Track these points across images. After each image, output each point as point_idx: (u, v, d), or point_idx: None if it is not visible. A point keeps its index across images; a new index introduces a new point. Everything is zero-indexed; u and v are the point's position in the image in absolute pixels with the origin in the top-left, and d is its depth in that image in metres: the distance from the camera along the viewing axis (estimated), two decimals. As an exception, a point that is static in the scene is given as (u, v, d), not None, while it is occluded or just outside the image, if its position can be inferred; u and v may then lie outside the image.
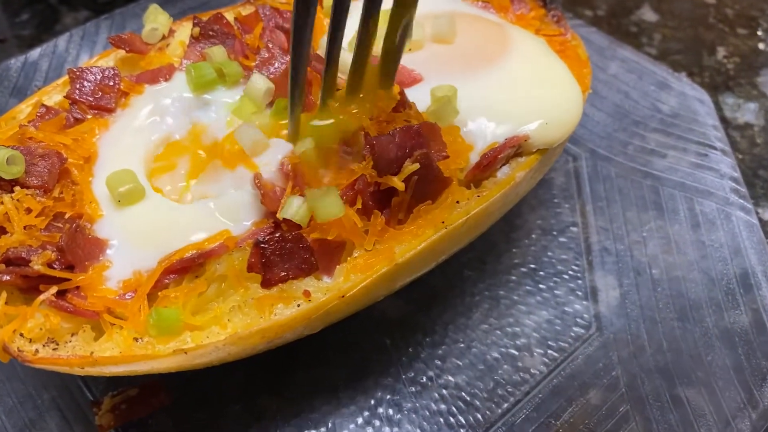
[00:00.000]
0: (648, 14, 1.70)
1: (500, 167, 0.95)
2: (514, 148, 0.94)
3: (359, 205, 0.84)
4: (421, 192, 0.86)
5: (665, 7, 1.71)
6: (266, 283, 0.81)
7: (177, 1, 1.53)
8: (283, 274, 0.81)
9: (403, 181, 0.83)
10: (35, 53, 1.38)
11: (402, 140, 0.82)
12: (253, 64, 0.99)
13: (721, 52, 1.60)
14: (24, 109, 0.97)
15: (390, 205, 0.85)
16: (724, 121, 1.44)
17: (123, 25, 1.47)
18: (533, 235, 1.17)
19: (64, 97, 0.97)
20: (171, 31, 1.07)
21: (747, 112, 1.46)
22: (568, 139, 1.00)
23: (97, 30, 1.45)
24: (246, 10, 1.11)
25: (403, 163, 0.82)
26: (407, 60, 1.02)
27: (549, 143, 0.96)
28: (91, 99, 0.96)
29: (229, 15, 1.10)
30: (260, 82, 0.93)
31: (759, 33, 1.65)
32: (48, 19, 1.62)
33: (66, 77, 0.99)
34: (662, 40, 1.63)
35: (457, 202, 0.89)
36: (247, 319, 0.80)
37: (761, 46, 1.61)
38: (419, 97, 0.93)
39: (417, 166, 0.82)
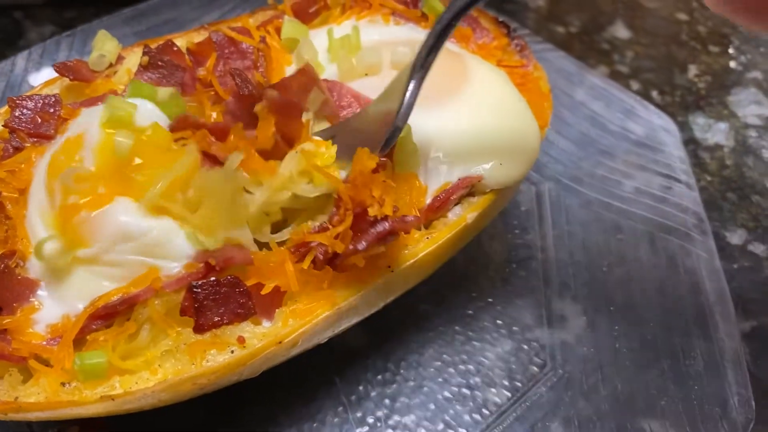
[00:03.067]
0: (621, 31, 1.68)
1: (452, 207, 0.93)
2: (467, 189, 0.92)
3: (305, 265, 0.81)
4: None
5: (638, 23, 1.70)
6: (199, 329, 0.78)
7: (142, 17, 1.50)
8: (216, 319, 0.79)
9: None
10: (-9, 72, 1.35)
11: (380, 236, 0.80)
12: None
13: (692, 70, 1.58)
14: (-39, 140, 0.95)
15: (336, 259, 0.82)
16: (694, 142, 1.42)
17: (84, 42, 1.44)
18: (492, 267, 1.15)
19: (2, 126, 0.94)
20: (120, 58, 1.04)
21: (717, 133, 1.44)
22: (523, 179, 0.98)
23: (57, 48, 1.42)
24: (200, 37, 1.08)
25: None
26: (362, 84, 1.00)
27: (503, 184, 0.94)
28: (30, 127, 0.93)
29: (182, 41, 1.07)
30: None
31: (730, 51, 1.63)
32: (12, 35, 1.59)
33: (6, 107, 0.97)
34: (634, 57, 1.61)
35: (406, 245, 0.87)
36: (179, 365, 0.78)
37: (732, 64, 1.60)
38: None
39: (383, 249, 0.81)
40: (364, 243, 0.80)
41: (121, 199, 0.80)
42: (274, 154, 0.85)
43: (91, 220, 0.79)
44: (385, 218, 0.82)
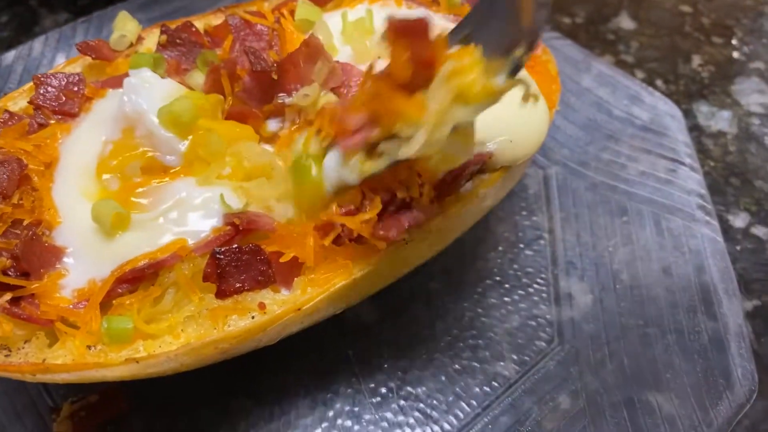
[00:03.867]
0: (625, 22, 1.71)
1: (464, 183, 0.95)
2: (478, 165, 0.95)
3: (326, 242, 0.84)
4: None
5: (642, 15, 1.72)
6: (221, 294, 0.81)
7: (155, 5, 1.53)
8: (238, 285, 0.82)
9: None
10: (10, 56, 1.37)
11: (407, 227, 0.84)
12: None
13: (696, 60, 1.61)
14: (-13, 115, 0.97)
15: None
16: (698, 129, 1.45)
17: (100, 28, 1.46)
18: (500, 248, 1.18)
19: (28, 102, 0.97)
20: (140, 39, 1.06)
21: (720, 120, 1.47)
22: (532, 156, 1.00)
23: (73, 33, 1.45)
24: (217, 19, 1.11)
25: None
26: (377, 68, 1.03)
27: (513, 161, 0.96)
28: (54, 104, 0.96)
29: (200, 23, 1.10)
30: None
31: (734, 42, 1.66)
32: (27, 21, 1.62)
33: (31, 83, 0.99)
34: (639, 47, 1.63)
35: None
36: (201, 329, 0.80)
37: (735, 54, 1.62)
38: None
39: (406, 235, 0.84)
40: (395, 231, 0.83)
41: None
42: (411, 88, 0.78)
43: (151, 190, 0.83)
44: (413, 206, 0.85)
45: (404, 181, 0.87)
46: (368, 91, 0.79)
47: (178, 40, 1.03)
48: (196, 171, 0.88)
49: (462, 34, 0.82)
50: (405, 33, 0.75)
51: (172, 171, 0.89)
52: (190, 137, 0.88)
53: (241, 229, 0.84)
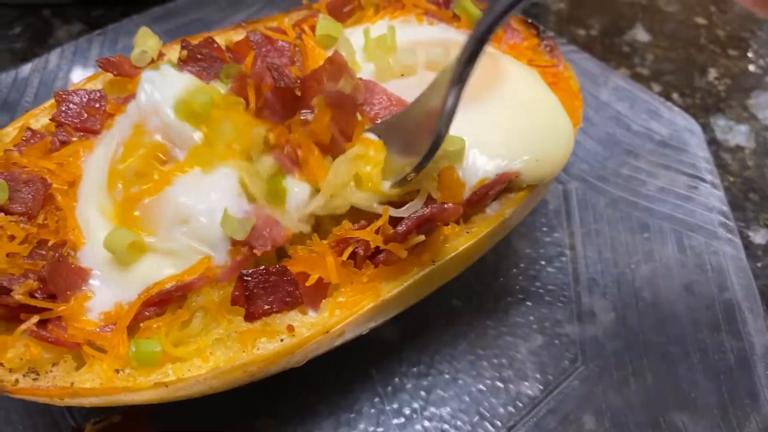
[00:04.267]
0: (640, 34, 1.70)
1: (490, 203, 0.95)
2: (504, 185, 0.94)
3: (344, 258, 0.83)
4: (419, 248, 0.87)
5: (657, 27, 1.72)
6: (250, 317, 0.81)
7: (170, 17, 1.52)
8: (266, 307, 0.81)
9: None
10: (26, 69, 1.37)
11: (419, 222, 0.83)
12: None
13: (712, 73, 1.60)
14: (10, 132, 0.97)
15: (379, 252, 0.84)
16: (715, 143, 1.44)
17: (116, 40, 1.46)
18: (522, 264, 1.17)
19: (50, 120, 0.96)
20: (161, 54, 1.06)
21: (738, 135, 1.46)
22: (558, 174, 1.00)
23: (89, 46, 1.44)
24: (238, 35, 1.10)
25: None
26: (399, 86, 1.02)
27: (539, 179, 0.96)
28: (76, 121, 0.96)
29: (221, 39, 1.09)
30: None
31: (749, 54, 1.65)
32: (41, 33, 1.61)
33: (53, 100, 0.99)
34: (654, 60, 1.63)
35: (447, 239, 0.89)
36: (230, 352, 0.79)
37: (752, 67, 1.62)
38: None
39: (423, 237, 0.83)
40: (403, 227, 0.83)
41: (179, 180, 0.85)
42: (330, 149, 0.88)
43: (151, 204, 0.82)
44: (424, 207, 0.85)
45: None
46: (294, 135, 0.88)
47: (198, 56, 1.02)
48: (203, 160, 0.88)
49: (383, 127, 0.92)
50: (336, 103, 0.87)
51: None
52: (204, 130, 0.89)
53: (253, 252, 0.83)
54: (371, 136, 0.89)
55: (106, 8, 1.67)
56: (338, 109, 0.87)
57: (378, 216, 0.85)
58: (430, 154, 0.83)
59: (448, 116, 0.81)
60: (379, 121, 0.95)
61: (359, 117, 0.90)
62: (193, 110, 0.87)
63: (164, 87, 0.90)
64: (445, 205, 0.85)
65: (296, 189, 0.86)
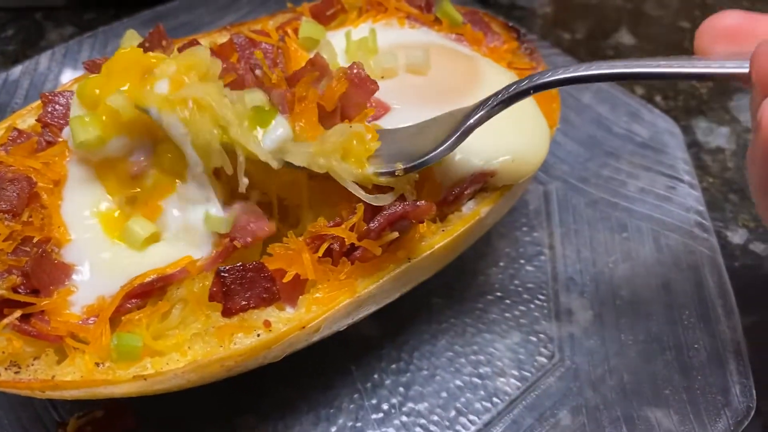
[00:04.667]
0: (625, 37, 1.73)
1: (466, 202, 0.97)
2: (480, 184, 0.96)
3: (319, 254, 0.85)
4: (395, 246, 0.88)
5: (642, 31, 1.74)
6: (227, 312, 0.83)
7: (160, 20, 1.54)
8: (243, 303, 0.83)
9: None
10: (16, 71, 1.39)
11: (391, 219, 0.85)
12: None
13: (696, 77, 1.62)
14: (-3, 133, 0.99)
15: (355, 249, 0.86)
16: (697, 145, 1.46)
17: (105, 43, 1.48)
18: (501, 263, 1.19)
19: (36, 120, 0.98)
20: (147, 57, 1.08)
21: (719, 137, 1.49)
22: (534, 175, 1.02)
23: (79, 48, 1.47)
24: (222, 38, 1.13)
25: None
26: (381, 87, 1.04)
27: (514, 180, 0.98)
28: (62, 122, 0.97)
29: (205, 41, 1.11)
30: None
31: (733, 59, 1.67)
32: (33, 35, 1.64)
33: (39, 101, 1.01)
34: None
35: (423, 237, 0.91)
36: (207, 347, 0.81)
37: (735, 72, 1.64)
38: (388, 125, 0.96)
39: (396, 235, 0.85)
40: (376, 224, 0.85)
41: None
42: (325, 122, 0.90)
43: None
44: (397, 204, 0.86)
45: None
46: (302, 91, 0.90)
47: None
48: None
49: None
50: (356, 81, 0.92)
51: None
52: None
53: (238, 247, 0.86)
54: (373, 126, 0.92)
55: (98, 11, 1.69)
56: (355, 88, 0.91)
57: (351, 197, 0.87)
58: (427, 162, 0.87)
59: (444, 151, 0.87)
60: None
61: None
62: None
63: None
64: (418, 203, 0.87)
65: (280, 129, 0.86)
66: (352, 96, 0.91)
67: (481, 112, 0.88)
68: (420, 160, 0.86)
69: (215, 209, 0.87)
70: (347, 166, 0.85)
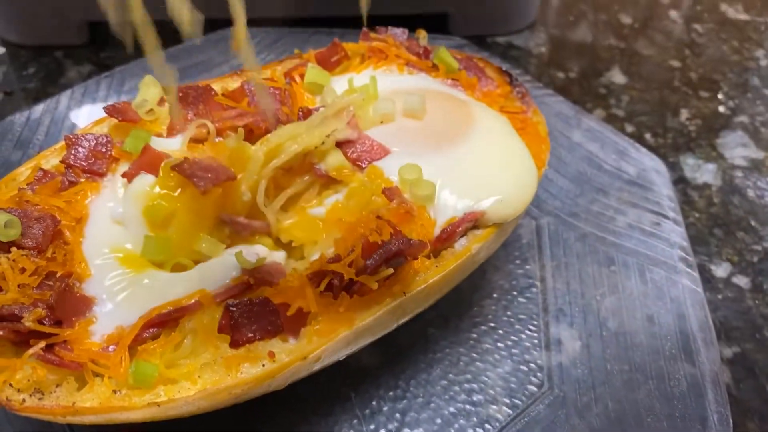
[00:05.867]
0: (617, 76, 1.80)
1: (458, 239, 1.04)
2: (471, 223, 1.03)
3: (321, 288, 0.92)
4: (391, 281, 0.95)
5: (634, 69, 1.82)
6: (234, 344, 0.89)
7: (174, 60, 1.63)
8: (250, 335, 0.90)
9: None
10: (39, 109, 1.47)
11: (387, 256, 0.91)
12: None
13: (684, 114, 1.70)
14: (23, 172, 1.06)
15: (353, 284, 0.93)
16: (684, 181, 1.53)
17: (122, 82, 1.57)
18: (495, 295, 1.26)
19: (60, 161, 1.06)
20: (162, 101, 1.16)
21: (706, 173, 1.55)
22: (523, 213, 1.09)
23: (97, 87, 1.55)
24: (234, 83, 1.21)
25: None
26: (377, 132, 1.12)
27: (503, 218, 1.05)
28: (84, 164, 1.05)
29: (217, 86, 1.19)
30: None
31: (719, 96, 1.75)
32: (53, 73, 1.72)
33: (63, 142, 1.09)
34: (630, 101, 1.72)
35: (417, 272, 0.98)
36: (216, 376, 0.88)
37: (721, 109, 1.71)
38: (387, 168, 1.03)
39: (391, 271, 0.92)
40: (372, 261, 0.91)
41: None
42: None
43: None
44: (393, 241, 0.93)
45: (377, 228, 0.96)
46: None
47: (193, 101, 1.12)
48: None
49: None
50: None
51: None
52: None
53: (252, 284, 0.93)
54: None
55: (115, 50, 1.78)
56: None
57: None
58: None
59: None
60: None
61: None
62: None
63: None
64: (412, 241, 0.94)
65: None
66: None
67: None
68: None
69: (248, 251, 0.95)
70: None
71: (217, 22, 1.70)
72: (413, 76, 1.24)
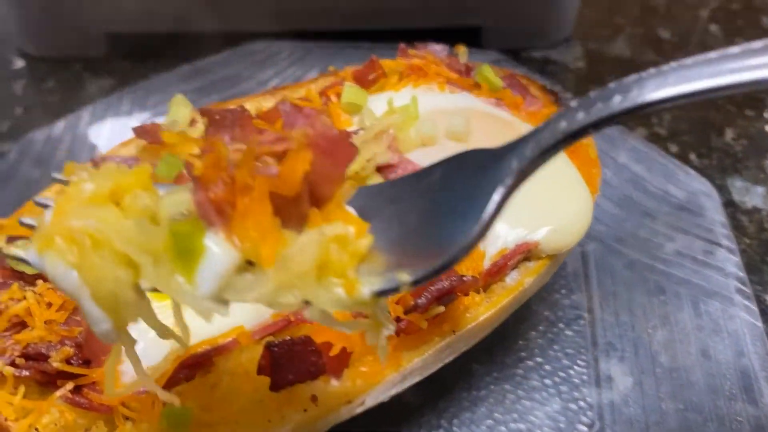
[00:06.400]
0: (659, 95, 1.73)
1: (509, 272, 0.97)
2: (524, 254, 0.97)
3: None
4: (439, 318, 0.88)
5: (675, 86, 1.75)
6: (275, 387, 0.83)
7: (198, 75, 1.58)
8: (291, 377, 0.83)
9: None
10: (60, 126, 1.42)
11: (438, 295, 0.85)
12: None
13: (729, 133, 1.63)
14: (48, 197, 1.01)
15: (399, 322, 0.87)
16: (732, 204, 1.46)
17: (146, 97, 1.51)
18: (540, 327, 1.19)
19: (87, 186, 1.00)
20: (193, 121, 1.10)
21: (755, 196, 1.48)
22: (576, 244, 1.02)
23: (119, 102, 1.50)
24: (267, 102, 1.15)
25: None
26: (421, 154, 1.06)
27: (557, 250, 0.98)
28: (113, 189, 0.99)
29: (250, 105, 1.14)
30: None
31: (765, 115, 1.68)
32: (73, 86, 1.67)
33: (88, 164, 1.03)
34: (672, 120, 1.66)
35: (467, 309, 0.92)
36: (255, 421, 0.82)
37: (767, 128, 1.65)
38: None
39: (442, 309, 0.86)
40: (423, 300, 0.85)
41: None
42: (282, 213, 0.59)
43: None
44: (444, 279, 0.87)
45: None
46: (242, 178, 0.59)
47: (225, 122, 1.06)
48: None
49: (366, 196, 0.68)
50: (323, 147, 0.60)
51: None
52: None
53: (292, 320, 0.87)
54: (350, 209, 0.62)
55: (136, 63, 1.73)
56: (325, 157, 0.60)
57: None
58: (444, 267, 0.59)
59: (486, 221, 0.59)
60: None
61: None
62: None
63: None
64: (464, 277, 0.88)
65: (216, 252, 0.58)
66: (322, 169, 0.60)
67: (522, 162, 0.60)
68: (439, 264, 0.59)
69: None
70: (332, 295, 0.57)
71: (242, 36, 1.66)
72: (455, 95, 1.18)
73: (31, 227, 0.64)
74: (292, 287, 0.57)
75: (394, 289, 0.58)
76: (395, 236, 0.62)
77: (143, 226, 0.57)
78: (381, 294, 0.58)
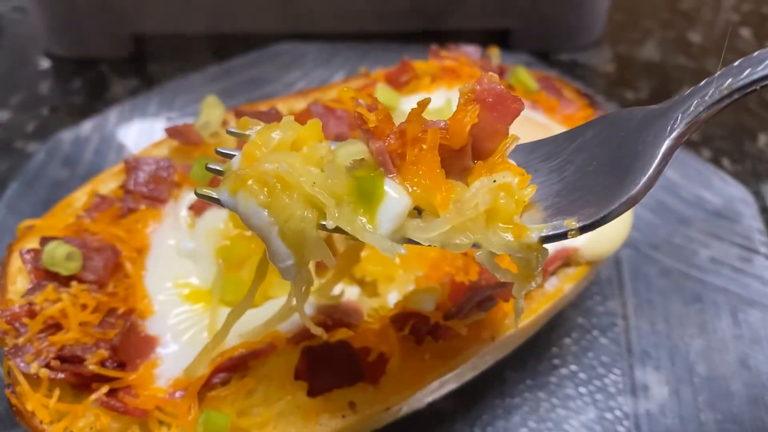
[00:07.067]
0: (689, 98, 1.70)
1: (549, 278, 0.95)
2: (563, 260, 0.95)
3: (405, 332, 0.84)
4: (479, 324, 0.87)
5: (705, 91, 1.72)
6: (312, 392, 0.82)
7: (226, 77, 1.57)
8: (328, 382, 0.82)
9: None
10: (87, 126, 1.41)
11: (480, 299, 0.84)
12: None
13: (762, 139, 1.60)
14: (80, 197, 1.00)
15: (440, 328, 0.85)
16: (766, 211, 1.43)
17: (173, 99, 1.50)
18: (574, 334, 1.17)
19: (119, 187, 0.99)
20: (225, 122, 1.09)
21: (790, 203, 1.45)
22: (616, 251, 1.00)
23: (147, 103, 1.49)
24: (299, 103, 1.13)
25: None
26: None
27: (597, 257, 0.96)
28: (144, 189, 0.98)
29: (282, 106, 1.12)
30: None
31: (799, 121, 1.65)
32: (98, 87, 1.66)
33: (121, 165, 1.02)
34: (705, 125, 1.63)
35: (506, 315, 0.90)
36: (293, 427, 0.80)
37: (801, 134, 1.62)
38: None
39: (483, 315, 0.84)
40: (465, 306, 0.84)
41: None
42: (447, 165, 0.64)
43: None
44: (484, 285, 0.85)
45: (464, 266, 0.89)
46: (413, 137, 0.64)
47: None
48: None
49: (529, 150, 0.71)
50: (490, 102, 0.63)
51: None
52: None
53: (330, 325, 0.85)
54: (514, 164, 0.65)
55: (162, 64, 1.72)
56: (491, 111, 0.63)
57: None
58: (612, 216, 0.62)
59: (654, 172, 0.62)
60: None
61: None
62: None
63: None
64: (506, 283, 0.86)
65: (396, 203, 0.62)
66: (488, 124, 0.63)
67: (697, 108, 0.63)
68: (608, 210, 0.61)
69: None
70: (501, 238, 0.61)
71: (269, 37, 1.65)
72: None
73: (218, 172, 0.70)
74: (465, 230, 0.61)
75: (561, 235, 0.62)
76: (554, 189, 0.65)
77: (329, 171, 0.62)
78: (547, 240, 0.62)
